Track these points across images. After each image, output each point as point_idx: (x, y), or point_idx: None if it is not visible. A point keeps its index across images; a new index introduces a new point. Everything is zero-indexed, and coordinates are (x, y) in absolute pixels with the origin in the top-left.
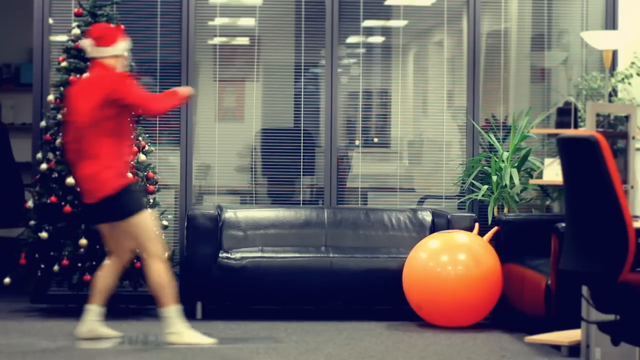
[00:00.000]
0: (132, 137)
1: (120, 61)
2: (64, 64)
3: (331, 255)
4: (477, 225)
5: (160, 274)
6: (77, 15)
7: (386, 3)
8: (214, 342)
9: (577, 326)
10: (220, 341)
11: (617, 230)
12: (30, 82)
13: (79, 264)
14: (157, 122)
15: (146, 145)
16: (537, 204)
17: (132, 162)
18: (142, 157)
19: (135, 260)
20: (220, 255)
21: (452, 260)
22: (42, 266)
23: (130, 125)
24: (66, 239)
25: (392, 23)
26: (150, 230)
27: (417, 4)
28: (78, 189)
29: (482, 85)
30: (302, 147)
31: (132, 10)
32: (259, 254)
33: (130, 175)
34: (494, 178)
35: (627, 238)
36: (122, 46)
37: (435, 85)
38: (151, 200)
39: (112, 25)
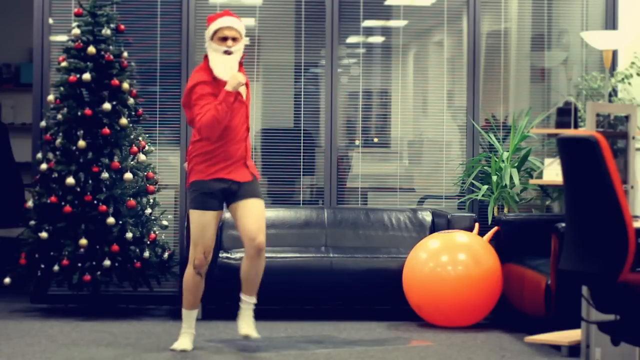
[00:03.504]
0: None
1: None
2: (64, 64)
3: (331, 255)
4: (477, 225)
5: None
6: (77, 15)
7: (386, 3)
8: None
9: (577, 326)
10: (221, 341)
11: (617, 230)
12: (30, 82)
13: (79, 264)
14: (157, 122)
15: (146, 145)
16: (537, 204)
17: None
18: (142, 157)
19: (135, 260)
20: (220, 255)
21: (452, 260)
22: (42, 266)
23: None
24: (66, 239)
25: (392, 23)
26: None
27: (417, 4)
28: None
29: (482, 85)
30: (302, 147)
31: (132, 10)
32: None
33: None
34: (494, 178)
35: (627, 238)
36: None
37: (435, 85)
38: (151, 201)
39: None
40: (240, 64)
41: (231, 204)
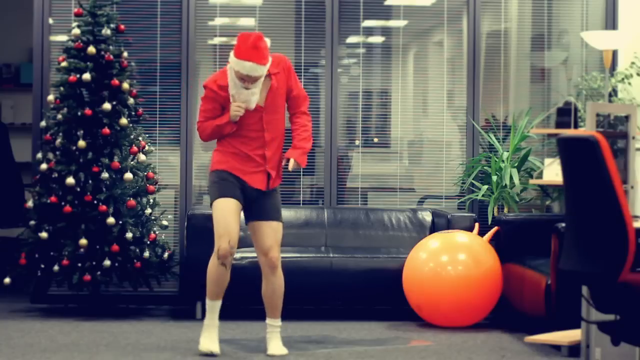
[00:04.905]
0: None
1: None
2: (64, 64)
3: (331, 255)
4: (477, 225)
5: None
6: (77, 15)
7: (386, 3)
8: None
9: (577, 326)
10: (220, 341)
11: (617, 230)
12: (30, 82)
13: (79, 264)
14: (157, 122)
15: (146, 145)
16: (537, 204)
17: None
18: (142, 157)
19: (135, 260)
20: None
21: (452, 260)
22: (42, 266)
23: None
24: (66, 239)
25: (392, 23)
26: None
27: (417, 4)
28: (77, 189)
29: (482, 85)
30: None
31: (132, 10)
32: None
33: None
34: (494, 178)
35: (627, 238)
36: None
37: (435, 85)
38: (151, 201)
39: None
40: (273, 76)
41: (249, 220)
